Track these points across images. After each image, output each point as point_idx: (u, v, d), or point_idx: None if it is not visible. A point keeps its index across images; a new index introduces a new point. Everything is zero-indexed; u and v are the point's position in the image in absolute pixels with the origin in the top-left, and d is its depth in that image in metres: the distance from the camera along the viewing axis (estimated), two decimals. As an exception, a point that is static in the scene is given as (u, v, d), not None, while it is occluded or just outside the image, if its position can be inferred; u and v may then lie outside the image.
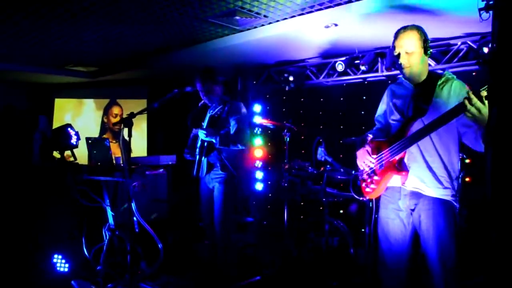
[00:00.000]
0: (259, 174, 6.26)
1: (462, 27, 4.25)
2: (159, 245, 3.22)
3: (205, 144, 3.67)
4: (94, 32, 4.60)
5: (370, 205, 3.47)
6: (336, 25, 4.23)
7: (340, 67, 5.05)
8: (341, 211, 4.93)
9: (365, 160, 2.66)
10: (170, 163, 4.68)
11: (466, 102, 2.00)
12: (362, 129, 5.64)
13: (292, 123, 4.64)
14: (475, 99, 1.97)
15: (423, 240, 2.46)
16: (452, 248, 2.39)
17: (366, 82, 5.44)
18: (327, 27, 4.28)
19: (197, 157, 3.77)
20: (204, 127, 3.57)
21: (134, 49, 5.44)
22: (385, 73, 4.97)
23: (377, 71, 5.06)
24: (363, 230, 4.01)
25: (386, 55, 4.84)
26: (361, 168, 2.74)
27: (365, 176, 2.72)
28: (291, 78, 5.64)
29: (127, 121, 2.95)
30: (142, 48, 5.41)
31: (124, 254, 3.58)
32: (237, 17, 4.16)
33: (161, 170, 4.74)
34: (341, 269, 3.91)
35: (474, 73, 4.55)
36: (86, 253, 3.83)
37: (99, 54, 5.63)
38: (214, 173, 3.71)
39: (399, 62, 2.47)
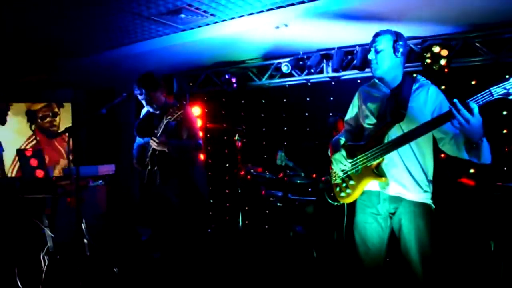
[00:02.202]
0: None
1: (404, 32, 4.37)
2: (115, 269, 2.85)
3: (157, 152, 3.44)
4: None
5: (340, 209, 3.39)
6: (286, 25, 4.13)
7: (285, 68, 4.97)
8: (302, 215, 4.83)
9: (341, 164, 2.57)
10: (109, 173, 4.28)
11: (454, 111, 1.99)
12: (306, 130, 5.69)
13: (236, 126, 4.47)
14: (463, 110, 1.97)
15: (404, 243, 2.43)
16: (432, 249, 2.40)
17: (309, 84, 5.43)
18: (277, 27, 4.17)
19: (149, 167, 3.51)
20: (158, 135, 3.33)
21: (56, 46, 4.88)
22: (330, 74, 4.99)
23: (321, 72, 5.06)
24: (324, 233, 3.97)
25: (331, 56, 4.85)
26: (336, 173, 2.64)
27: (338, 181, 2.63)
28: (232, 80, 5.45)
29: (74, 130, 2.58)
30: (67, 45, 4.88)
31: (66, 282, 3.14)
32: (182, 16, 3.90)
33: (100, 181, 4.29)
34: (305, 275, 3.79)
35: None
36: (19, 285, 3.27)
37: (16, 50, 4.99)
38: (169, 183, 3.49)
39: (369, 58, 2.49)
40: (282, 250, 4.00)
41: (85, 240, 2.54)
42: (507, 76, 1.92)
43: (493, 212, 3.37)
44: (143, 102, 3.52)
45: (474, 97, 1.98)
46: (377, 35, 2.50)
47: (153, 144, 3.33)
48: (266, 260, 4.09)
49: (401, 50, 2.43)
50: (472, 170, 4.02)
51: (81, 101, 6.46)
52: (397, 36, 2.46)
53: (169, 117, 3.26)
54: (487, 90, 1.96)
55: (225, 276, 4.00)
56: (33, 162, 3.14)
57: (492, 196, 3.33)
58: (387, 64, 2.46)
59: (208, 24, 4.24)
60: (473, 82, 4.33)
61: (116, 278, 2.95)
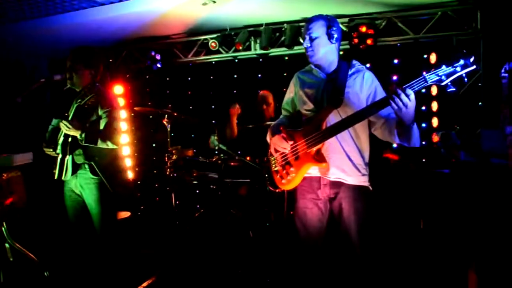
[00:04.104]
0: (126, 162, 5.74)
1: (332, 9, 4.40)
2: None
3: (69, 139, 3.07)
4: None
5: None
6: (214, 1, 3.98)
7: (213, 44, 4.83)
8: (237, 197, 4.79)
9: (280, 147, 2.54)
10: (26, 162, 3.89)
11: (394, 95, 2.03)
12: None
13: (160, 105, 4.25)
14: (403, 95, 2.02)
15: (344, 225, 2.51)
16: (370, 230, 2.50)
17: (236, 61, 5.33)
18: (204, 4, 4.00)
19: (60, 155, 3.11)
20: (70, 118, 2.98)
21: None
22: (258, 51, 4.93)
23: (249, 49, 4.99)
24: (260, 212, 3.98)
25: (259, 33, 4.78)
26: (274, 156, 2.62)
27: (279, 167, 2.61)
28: (157, 57, 5.20)
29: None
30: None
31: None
32: (102, -11, 3.59)
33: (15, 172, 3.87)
34: (244, 258, 3.78)
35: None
36: None
37: None
38: (81, 176, 3.12)
39: (304, 46, 2.48)
40: (218, 229, 3.94)
41: (7, 244, 2.28)
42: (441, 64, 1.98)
43: (421, 190, 3.57)
44: (68, 74, 3.09)
45: (410, 84, 2.04)
46: (310, 21, 2.47)
47: (64, 128, 2.95)
48: (202, 239, 4.03)
49: (335, 35, 2.44)
50: (395, 145, 4.23)
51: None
52: (330, 22, 2.46)
53: (79, 100, 2.95)
54: (422, 77, 2.03)
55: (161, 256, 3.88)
56: None
57: (420, 176, 3.53)
58: (323, 51, 2.46)
59: (130, -1, 3.95)
60: (395, 61, 4.52)
61: (48, 283, 2.70)
